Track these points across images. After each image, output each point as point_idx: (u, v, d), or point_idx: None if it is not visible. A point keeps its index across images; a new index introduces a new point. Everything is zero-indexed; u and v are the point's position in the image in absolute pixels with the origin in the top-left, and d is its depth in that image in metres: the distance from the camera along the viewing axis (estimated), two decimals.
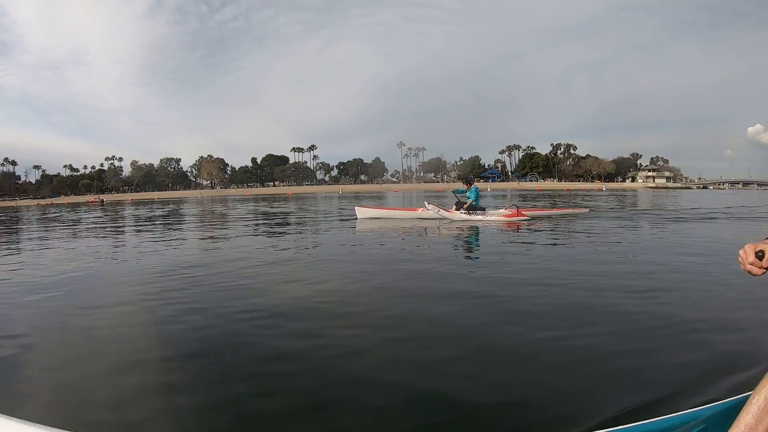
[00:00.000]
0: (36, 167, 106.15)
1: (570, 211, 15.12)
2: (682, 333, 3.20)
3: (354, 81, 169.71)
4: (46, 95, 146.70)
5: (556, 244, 8.02)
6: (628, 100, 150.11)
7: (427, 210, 12.65)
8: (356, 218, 13.77)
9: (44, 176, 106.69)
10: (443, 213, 12.40)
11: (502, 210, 12.82)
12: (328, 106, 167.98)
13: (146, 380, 2.61)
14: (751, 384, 1.24)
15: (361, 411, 2.23)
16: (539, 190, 61.97)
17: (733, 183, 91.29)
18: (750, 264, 1.22)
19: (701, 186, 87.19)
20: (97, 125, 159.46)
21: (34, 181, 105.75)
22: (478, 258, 7.04)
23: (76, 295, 4.95)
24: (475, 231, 10.35)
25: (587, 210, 15.32)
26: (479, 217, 12.10)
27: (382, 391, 2.41)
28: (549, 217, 13.39)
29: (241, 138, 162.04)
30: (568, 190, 61.94)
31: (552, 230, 10.26)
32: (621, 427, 1.27)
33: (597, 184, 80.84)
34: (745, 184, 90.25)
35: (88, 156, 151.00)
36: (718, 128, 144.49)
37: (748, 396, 1.22)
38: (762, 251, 1.20)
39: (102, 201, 58.65)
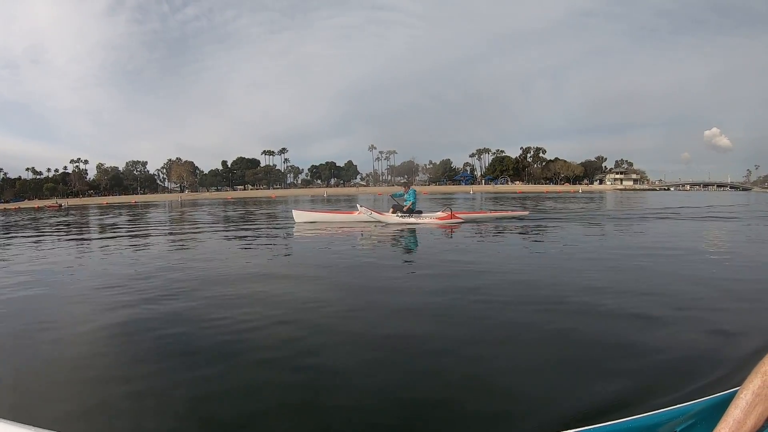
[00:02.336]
0: None
1: (507, 213, 15.21)
2: (668, 329, 3.25)
3: (318, 83, 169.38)
4: (2, 95, 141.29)
5: (494, 244, 8.60)
6: (592, 103, 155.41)
7: (361, 213, 12.91)
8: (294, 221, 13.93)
9: (4, 179, 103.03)
10: (376, 216, 12.64)
11: (436, 213, 13.05)
12: (292, 108, 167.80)
13: (110, 381, 2.64)
14: (739, 379, 1.24)
15: (332, 414, 2.22)
16: (519, 192, 62.65)
17: (692, 184, 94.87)
18: None
19: (665, 188, 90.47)
20: (56, 127, 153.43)
21: None
22: (410, 260, 7.26)
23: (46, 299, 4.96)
24: (407, 233, 10.59)
25: (527, 212, 15.41)
26: (413, 220, 12.34)
27: (349, 393, 2.43)
28: (483, 219, 13.65)
29: (203, 141, 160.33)
30: (546, 192, 63.01)
31: (491, 232, 10.59)
32: (608, 423, 1.27)
33: (574, 187, 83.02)
34: (705, 185, 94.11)
35: (45, 158, 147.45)
36: (675, 131, 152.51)
37: (736, 391, 1.22)
38: None
39: (60, 206, 56.11)
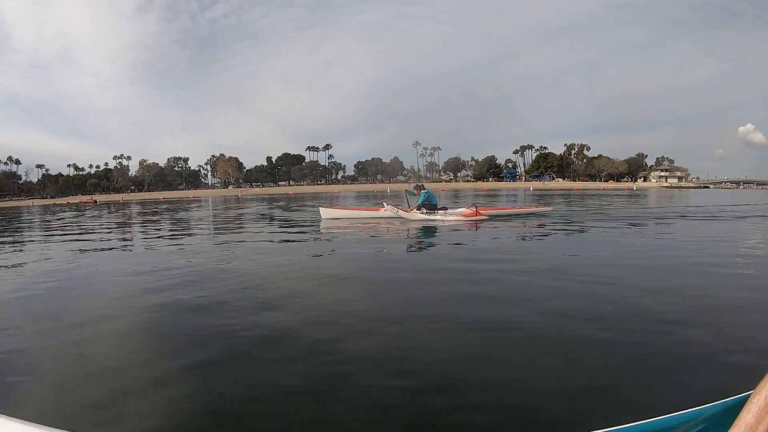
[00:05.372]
0: (39, 166, 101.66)
1: (532, 210, 15.01)
2: (679, 333, 3.19)
3: (348, 80, 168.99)
4: (35, 95, 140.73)
5: (528, 241, 8.50)
6: (624, 99, 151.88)
7: (387, 210, 12.85)
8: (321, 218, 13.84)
9: (45, 176, 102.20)
10: (401, 213, 12.50)
11: (461, 209, 12.91)
12: (322, 105, 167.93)
13: (138, 380, 2.64)
14: (752, 383, 1.24)
15: (362, 417, 2.20)
16: (577, 189, 62.24)
17: (733, 182, 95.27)
18: None
19: (705, 185, 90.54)
20: (88, 125, 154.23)
21: (35, 181, 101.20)
22: (436, 258, 7.13)
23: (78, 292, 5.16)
24: (431, 230, 10.45)
25: (551, 208, 15.17)
26: (438, 217, 12.12)
27: (380, 392, 2.42)
28: (509, 216, 13.46)
29: (234, 137, 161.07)
30: (603, 189, 63.50)
31: (516, 229, 10.41)
32: (620, 426, 1.26)
33: (627, 184, 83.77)
34: (745, 183, 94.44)
35: (78, 156, 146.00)
36: (709, 127, 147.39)
37: (748, 395, 1.22)
38: None
39: (95, 201, 57.14)
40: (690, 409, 1.34)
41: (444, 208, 12.65)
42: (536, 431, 2.02)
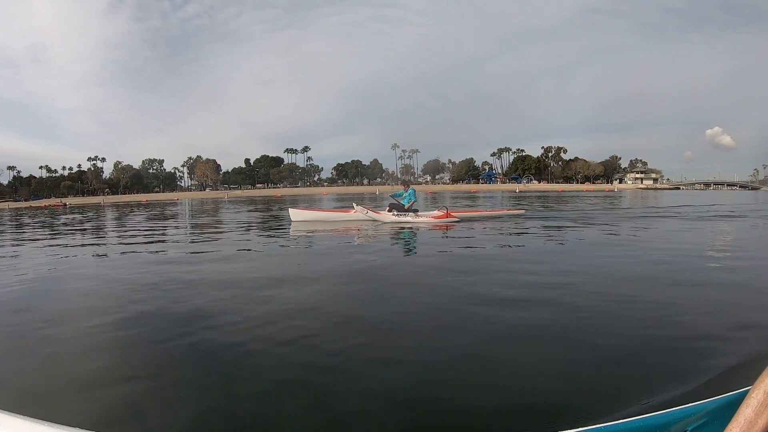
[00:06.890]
0: (10, 168, 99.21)
1: (503, 212, 15.12)
2: (679, 329, 3.19)
3: (322, 81, 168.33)
4: (4, 95, 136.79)
5: (506, 241, 8.60)
6: (598, 102, 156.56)
7: (357, 212, 12.79)
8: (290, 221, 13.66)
9: (17, 178, 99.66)
10: (371, 214, 12.50)
11: (432, 211, 13.04)
12: (296, 106, 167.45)
13: (119, 380, 2.63)
14: (751, 378, 1.25)
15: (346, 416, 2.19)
16: (561, 191, 63.08)
17: (705, 184, 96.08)
18: None
19: (674, 187, 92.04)
20: (58, 126, 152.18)
21: (6, 183, 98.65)
22: (408, 259, 7.16)
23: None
24: (403, 232, 10.53)
25: (522, 211, 15.34)
26: (409, 219, 12.21)
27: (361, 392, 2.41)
28: (480, 218, 13.57)
29: (206, 139, 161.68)
30: (585, 191, 64.23)
31: (488, 230, 10.49)
32: (621, 421, 1.27)
33: (609, 186, 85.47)
34: (715, 184, 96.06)
35: (49, 157, 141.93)
36: (679, 130, 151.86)
37: (747, 390, 1.24)
38: None
39: (65, 205, 54.66)
40: (690, 404, 1.36)
41: (415, 211, 12.71)
42: (536, 427, 2.01)
